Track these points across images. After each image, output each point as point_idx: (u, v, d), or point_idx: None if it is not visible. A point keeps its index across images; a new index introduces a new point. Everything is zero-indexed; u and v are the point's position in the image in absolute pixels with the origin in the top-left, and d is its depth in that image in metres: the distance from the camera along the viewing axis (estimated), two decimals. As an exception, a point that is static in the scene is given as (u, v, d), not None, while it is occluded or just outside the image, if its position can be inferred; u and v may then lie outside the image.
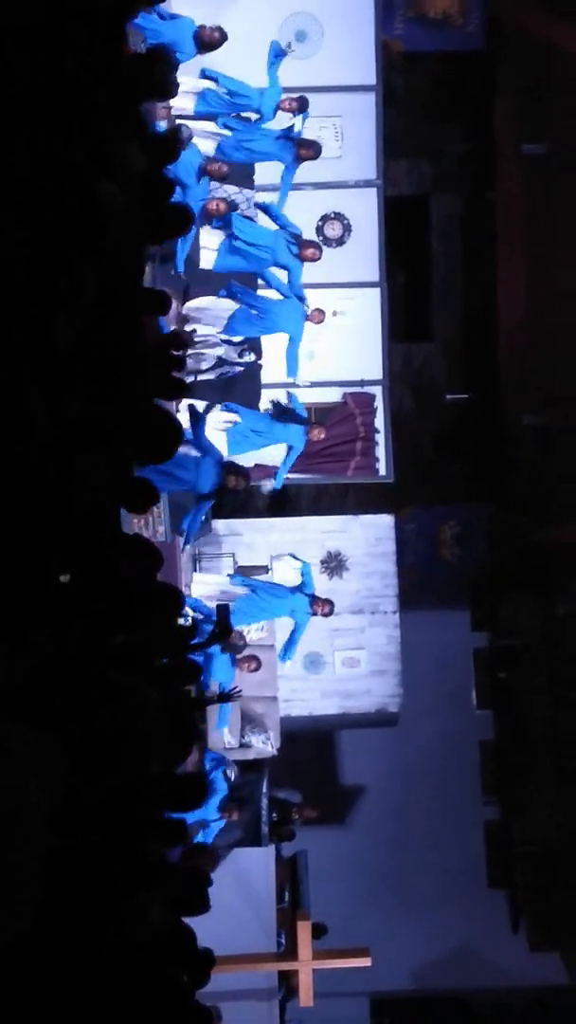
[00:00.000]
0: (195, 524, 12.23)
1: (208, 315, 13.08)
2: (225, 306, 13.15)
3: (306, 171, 13.71)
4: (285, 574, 13.98)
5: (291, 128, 13.17)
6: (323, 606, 13.08)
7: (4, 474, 3.80)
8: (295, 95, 13.21)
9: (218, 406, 12.86)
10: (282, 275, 13.26)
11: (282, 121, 13.23)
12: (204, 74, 13.01)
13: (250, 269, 13.30)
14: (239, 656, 12.44)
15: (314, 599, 13.10)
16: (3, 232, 4.09)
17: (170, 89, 8.07)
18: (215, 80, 12.97)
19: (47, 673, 4.33)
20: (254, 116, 13.05)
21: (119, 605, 5.74)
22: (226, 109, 13.00)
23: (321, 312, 13.60)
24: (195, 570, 13.37)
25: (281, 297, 13.35)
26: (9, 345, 3.96)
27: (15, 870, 3.16)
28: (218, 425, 12.73)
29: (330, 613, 13.26)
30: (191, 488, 11.72)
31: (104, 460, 4.47)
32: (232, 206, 13.11)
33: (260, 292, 13.54)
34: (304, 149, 13.23)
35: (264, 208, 13.41)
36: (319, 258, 13.35)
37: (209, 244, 13.07)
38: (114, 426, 5.30)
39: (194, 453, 11.71)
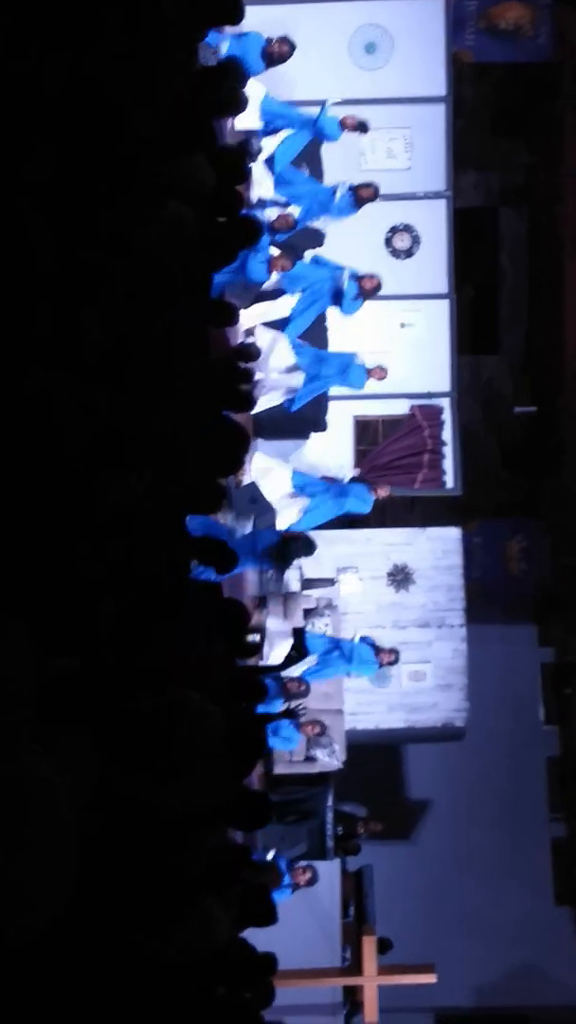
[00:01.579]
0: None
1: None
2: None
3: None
4: (351, 587, 13.99)
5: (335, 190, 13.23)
6: (388, 656, 13.18)
7: (35, 477, 3.79)
8: (356, 118, 13.19)
9: (288, 476, 12.90)
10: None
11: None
12: (265, 103, 12.98)
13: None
14: (303, 720, 12.46)
15: (378, 649, 13.16)
16: (45, 238, 4.09)
17: (240, 104, 8.06)
18: (274, 112, 12.96)
19: (95, 682, 4.31)
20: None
21: (183, 618, 5.73)
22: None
23: (383, 370, 13.58)
24: (261, 583, 13.32)
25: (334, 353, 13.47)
26: (39, 347, 3.96)
27: (36, 873, 3.14)
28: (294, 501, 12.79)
29: (395, 662, 13.35)
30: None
31: (136, 474, 4.44)
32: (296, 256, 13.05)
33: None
34: (363, 190, 13.22)
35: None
36: (379, 287, 13.33)
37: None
38: (169, 439, 5.28)
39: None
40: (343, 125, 13.07)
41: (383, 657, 13.19)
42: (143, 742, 4.51)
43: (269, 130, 12.88)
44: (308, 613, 13.54)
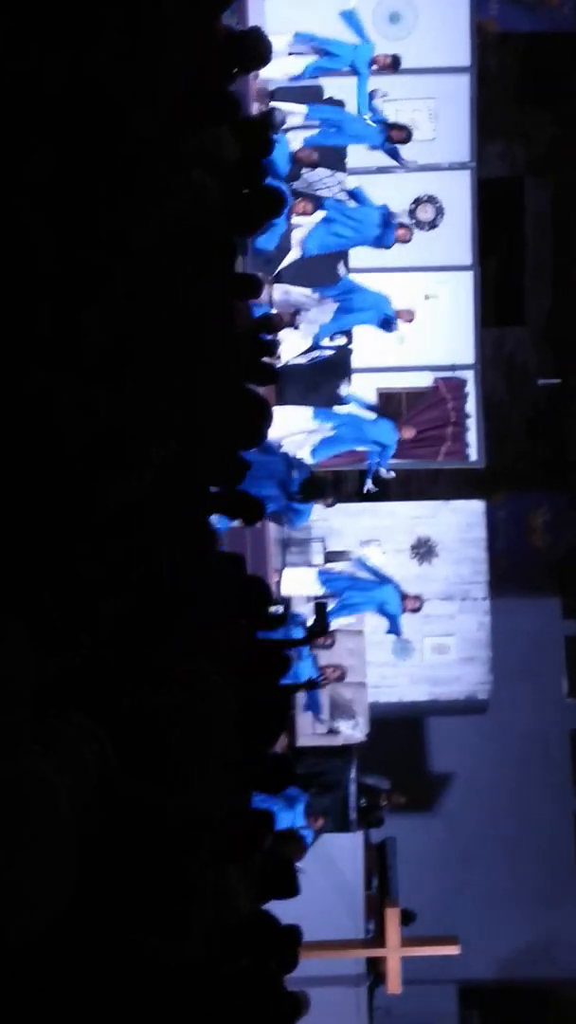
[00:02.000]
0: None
1: (296, 301, 13.06)
2: (314, 297, 13.16)
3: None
4: (374, 559, 13.98)
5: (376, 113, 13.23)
6: (413, 602, 13.17)
7: (36, 474, 3.79)
8: (388, 54, 13.22)
9: (309, 412, 12.84)
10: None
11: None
12: (298, 38, 13.03)
13: (342, 247, 13.32)
14: (324, 667, 12.47)
15: (404, 594, 13.17)
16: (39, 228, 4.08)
17: (265, 57, 8.01)
18: (309, 41, 13.00)
19: (97, 678, 4.29)
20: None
21: (209, 597, 5.73)
22: (317, 72, 13.05)
23: (411, 312, 13.56)
24: (284, 556, 13.33)
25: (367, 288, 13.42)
26: (39, 347, 3.95)
27: (38, 866, 3.13)
28: (312, 435, 12.74)
29: (419, 608, 13.31)
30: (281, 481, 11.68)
31: (136, 473, 4.43)
32: (318, 201, 13.04)
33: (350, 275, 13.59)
34: (396, 131, 13.25)
35: (352, 194, 13.41)
36: (410, 239, 13.36)
37: (299, 231, 13.06)
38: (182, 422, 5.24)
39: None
40: (375, 63, 13.11)
41: (408, 603, 13.21)
42: (145, 743, 4.51)
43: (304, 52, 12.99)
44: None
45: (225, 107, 6.46)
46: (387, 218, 13.20)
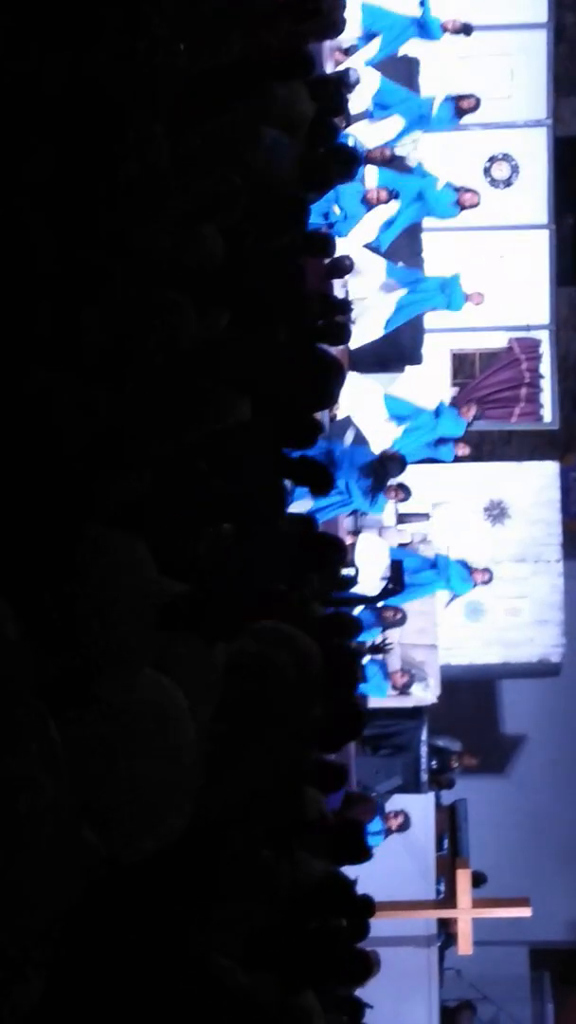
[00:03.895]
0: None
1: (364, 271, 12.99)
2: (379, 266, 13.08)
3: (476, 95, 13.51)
4: (447, 521, 13.97)
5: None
6: (483, 575, 13.22)
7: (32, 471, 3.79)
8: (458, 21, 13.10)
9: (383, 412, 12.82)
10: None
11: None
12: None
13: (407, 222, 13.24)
14: (391, 671, 12.53)
15: (472, 568, 13.20)
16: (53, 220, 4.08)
17: (339, 25, 7.95)
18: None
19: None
20: None
21: (279, 554, 5.72)
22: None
23: (481, 295, 13.47)
24: (357, 520, 13.30)
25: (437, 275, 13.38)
26: (39, 347, 3.95)
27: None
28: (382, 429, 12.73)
29: (489, 581, 13.49)
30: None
31: (136, 473, 4.41)
32: (393, 195, 12.86)
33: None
34: (464, 101, 13.14)
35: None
36: (478, 203, 13.26)
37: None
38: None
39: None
40: (444, 28, 13.00)
41: (477, 576, 13.27)
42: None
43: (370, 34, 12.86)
44: (403, 548, 13.53)
45: (297, 64, 6.41)
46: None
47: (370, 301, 12.89)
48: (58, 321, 4.05)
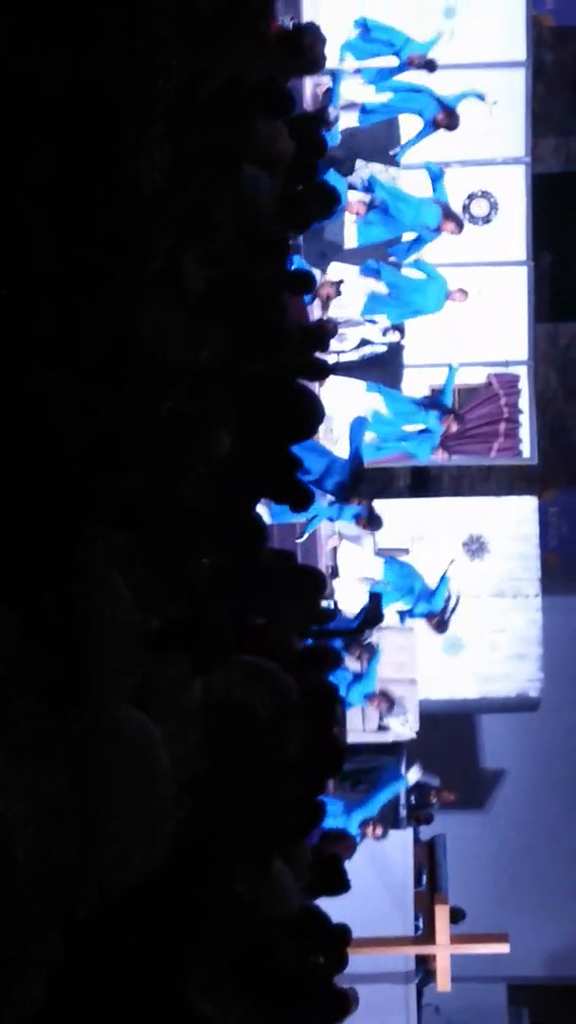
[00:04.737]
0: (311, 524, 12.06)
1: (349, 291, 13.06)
2: (365, 285, 13.14)
3: (454, 149, 13.63)
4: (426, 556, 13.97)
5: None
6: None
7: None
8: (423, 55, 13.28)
9: (363, 384, 12.82)
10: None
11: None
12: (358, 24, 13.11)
13: (391, 235, 13.32)
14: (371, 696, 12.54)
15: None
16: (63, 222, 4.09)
17: (320, 63, 7.99)
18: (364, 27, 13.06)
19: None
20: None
21: (258, 588, 5.73)
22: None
23: (464, 292, 13.53)
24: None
25: (421, 275, 13.36)
26: (37, 345, 3.96)
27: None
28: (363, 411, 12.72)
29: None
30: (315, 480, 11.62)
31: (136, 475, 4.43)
32: (372, 205, 13.01)
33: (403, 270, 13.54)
34: (445, 116, 13.25)
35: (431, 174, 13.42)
36: (459, 232, 13.35)
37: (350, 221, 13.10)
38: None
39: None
40: (410, 63, 13.07)
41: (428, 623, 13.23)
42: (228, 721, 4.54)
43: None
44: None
45: (278, 103, 6.45)
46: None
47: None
48: (58, 321, 4.05)
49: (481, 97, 13.68)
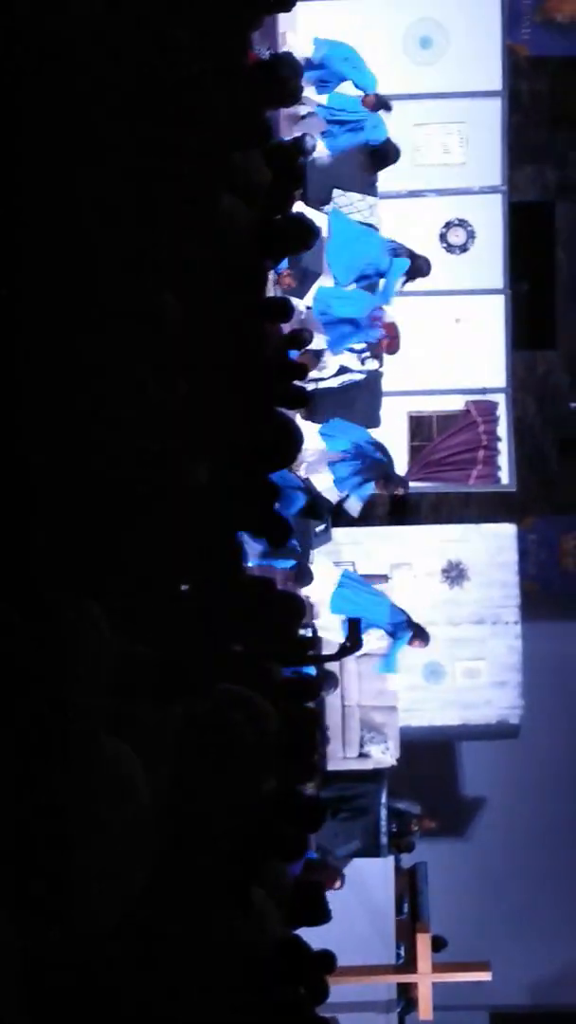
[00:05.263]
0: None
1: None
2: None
3: (430, 178, 13.68)
4: (405, 583, 13.96)
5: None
6: (420, 642, 13.01)
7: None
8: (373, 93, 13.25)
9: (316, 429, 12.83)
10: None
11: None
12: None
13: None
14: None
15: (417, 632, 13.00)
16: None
17: (296, 95, 8.05)
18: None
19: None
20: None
21: (238, 614, 5.73)
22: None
23: (394, 330, 13.46)
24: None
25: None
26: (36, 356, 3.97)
27: None
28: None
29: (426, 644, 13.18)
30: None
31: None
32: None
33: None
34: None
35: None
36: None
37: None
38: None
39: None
40: (364, 103, 13.07)
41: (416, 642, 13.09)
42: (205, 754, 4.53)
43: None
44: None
45: (256, 132, 6.48)
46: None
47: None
48: (54, 331, 4.06)
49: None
